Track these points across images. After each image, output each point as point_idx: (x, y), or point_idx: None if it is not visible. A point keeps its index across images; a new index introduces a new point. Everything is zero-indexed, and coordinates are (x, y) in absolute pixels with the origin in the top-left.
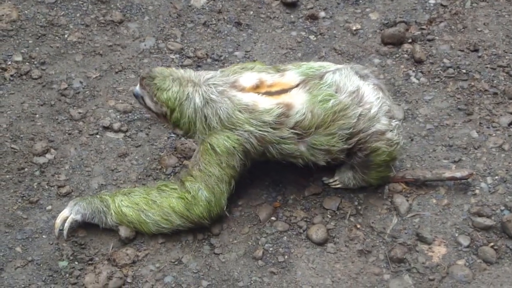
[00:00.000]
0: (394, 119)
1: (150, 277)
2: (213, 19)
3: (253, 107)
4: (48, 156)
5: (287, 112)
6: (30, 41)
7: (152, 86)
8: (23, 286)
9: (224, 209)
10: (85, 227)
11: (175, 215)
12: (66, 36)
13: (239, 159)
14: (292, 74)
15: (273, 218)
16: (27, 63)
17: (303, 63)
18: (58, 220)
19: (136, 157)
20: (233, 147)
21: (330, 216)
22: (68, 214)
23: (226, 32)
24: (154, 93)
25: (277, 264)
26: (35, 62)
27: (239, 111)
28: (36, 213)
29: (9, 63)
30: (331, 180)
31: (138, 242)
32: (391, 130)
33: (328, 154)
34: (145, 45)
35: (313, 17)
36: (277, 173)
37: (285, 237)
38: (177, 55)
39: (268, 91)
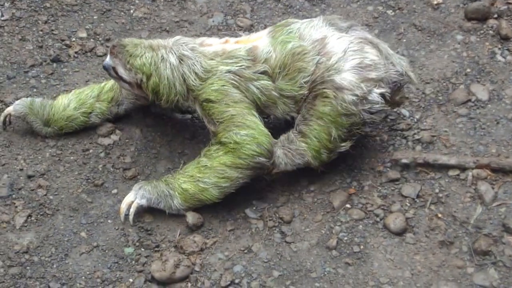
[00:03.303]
0: (374, 84)
1: (218, 265)
2: None
3: (223, 51)
4: (113, 137)
5: (255, 51)
6: (95, 17)
7: (124, 54)
8: (88, 273)
9: (270, 135)
10: (152, 212)
11: (230, 169)
12: (131, 11)
13: (237, 93)
14: (260, 32)
15: (347, 205)
16: (91, 40)
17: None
18: (123, 205)
19: (204, 139)
20: (222, 85)
21: (409, 204)
22: (133, 199)
23: (298, 7)
24: (127, 60)
25: (352, 254)
26: (100, 39)
27: (211, 59)
28: (101, 197)
29: (74, 39)
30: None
31: (206, 229)
32: (355, 94)
33: (296, 103)
34: (213, 21)
35: None
36: (352, 157)
37: (361, 226)
38: (247, 32)
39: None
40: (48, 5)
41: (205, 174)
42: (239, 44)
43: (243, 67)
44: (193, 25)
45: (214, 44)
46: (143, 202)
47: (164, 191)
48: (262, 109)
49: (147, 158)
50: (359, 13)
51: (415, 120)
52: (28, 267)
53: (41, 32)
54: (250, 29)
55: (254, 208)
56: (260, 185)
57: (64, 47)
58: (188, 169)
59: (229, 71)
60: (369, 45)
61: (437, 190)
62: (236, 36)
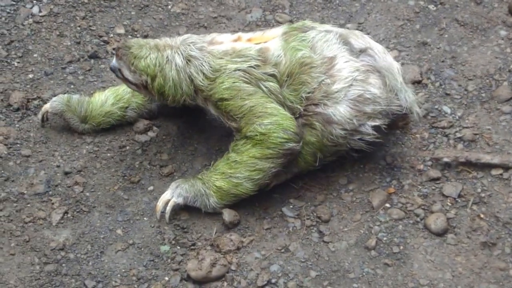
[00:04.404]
0: (368, 117)
1: (255, 265)
2: None
3: (232, 50)
4: (150, 134)
5: (266, 53)
6: (132, 13)
7: (129, 55)
8: (123, 270)
9: (293, 118)
10: (188, 209)
11: (260, 160)
12: (169, 7)
13: (249, 86)
14: (275, 30)
15: (387, 205)
16: (129, 36)
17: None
18: (160, 204)
19: None
20: (233, 83)
21: (450, 204)
22: (170, 197)
23: (337, 2)
24: (132, 62)
25: (391, 255)
26: (138, 35)
27: (220, 58)
28: (138, 194)
29: (111, 35)
30: None
31: (242, 227)
32: (344, 129)
33: (293, 115)
34: (251, 16)
35: None
36: (392, 156)
37: (401, 226)
38: None
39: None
40: (86, 0)
41: (236, 169)
42: (249, 44)
43: (252, 65)
44: (231, 21)
45: (225, 41)
46: (180, 200)
47: (201, 190)
48: None
49: (184, 155)
50: (400, 7)
51: (457, 117)
52: (64, 264)
53: (79, 28)
54: (289, 24)
55: (291, 206)
56: (298, 184)
57: (102, 43)
58: (219, 166)
59: (238, 69)
60: (375, 75)
61: (479, 190)
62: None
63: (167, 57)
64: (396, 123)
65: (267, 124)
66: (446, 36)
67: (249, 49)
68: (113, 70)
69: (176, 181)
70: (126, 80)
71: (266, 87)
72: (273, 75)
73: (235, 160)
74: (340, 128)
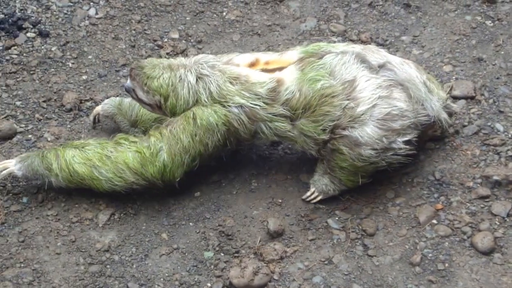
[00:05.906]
0: (398, 133)
1: (298, 275)
2: None
3: (246, 78)
4: None
5: (278, 88)
6: (187, 18)
7: (141, 76)
8: (166, 275)
9: (177, 180)
10: (233, 217)
11: (129, 171)
12: (224, 13)
13: (216, 139)
14: (293, 53)
15: (434, 221)
16: (183, 41)
17: (314, 44)
18: (1, 165)
19: (289, 145)
20: (216, 124)
21: (498, 223)
22: (13, 166)
23: (393, 14)
24: (144, 82)
25: (436, 272)
26: (192, 40)
27: (230, 83)
28: (184, 199)
29: (166, 40)
30: (308, 194)
31: (286, 237)
32: (374, 149)
33: (317, 145)
34: (305, 26)
35: (491, 1)
36: (440, 172)
37: (447, 243)
38: (340, 38)
39: (264, 68)
40: (142, 4)
41: (104, 165)
42: (265, 76)
43: (258, 106)
44: (285, 30)
45: (242, 64)
46: (19, 174)
47: (39, 170)
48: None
49: (232, 162)
50: (456, 22)
51: (510, 135)
52: (108, 266)
53: (133, 32)
54: (343, 34)
55: (337, 218)
56: (344, 196)
57: (156, 47)
58: (89, 149)
59: (241, 107)
60: (398, 89)
61: None
62: (328, 42)
63: (180, 76)
64: (425, 132)
65: (162, 158)
66: (502, 52)
67: (262, 85)
68: (127, 90)
69: (26, 154)
70: (140, 101)
71: (269, 128)
72: (281, 115)
73: (109, 156)
74: (369, 149)
